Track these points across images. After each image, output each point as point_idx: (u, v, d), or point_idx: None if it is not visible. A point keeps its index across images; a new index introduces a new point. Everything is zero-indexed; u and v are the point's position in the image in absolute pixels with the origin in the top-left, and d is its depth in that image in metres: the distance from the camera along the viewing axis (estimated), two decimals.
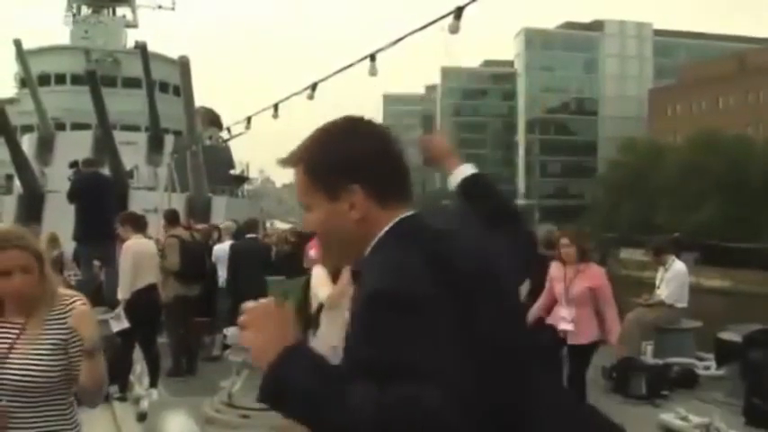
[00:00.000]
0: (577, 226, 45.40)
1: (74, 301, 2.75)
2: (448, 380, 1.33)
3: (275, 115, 10.34)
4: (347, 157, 1.56)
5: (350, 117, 1.68)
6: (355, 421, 1.32)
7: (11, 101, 29.87)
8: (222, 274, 9.52)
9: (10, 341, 2.64)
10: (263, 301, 1.53)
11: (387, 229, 1.55)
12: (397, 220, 1.56)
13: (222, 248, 9.87)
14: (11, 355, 2.62)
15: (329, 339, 4.05)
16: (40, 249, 2.75)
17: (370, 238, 1.56)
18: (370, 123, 1.67)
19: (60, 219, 12.46)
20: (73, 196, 9.54)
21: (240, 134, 18.88)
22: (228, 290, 9.22)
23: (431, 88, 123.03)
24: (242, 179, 35.66)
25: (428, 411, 1.29)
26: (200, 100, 25.02)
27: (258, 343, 1.46)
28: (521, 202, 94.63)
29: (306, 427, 1.42)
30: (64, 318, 2.69)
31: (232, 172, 33.49)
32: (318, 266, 5.14)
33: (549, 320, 6.47)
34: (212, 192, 22.58)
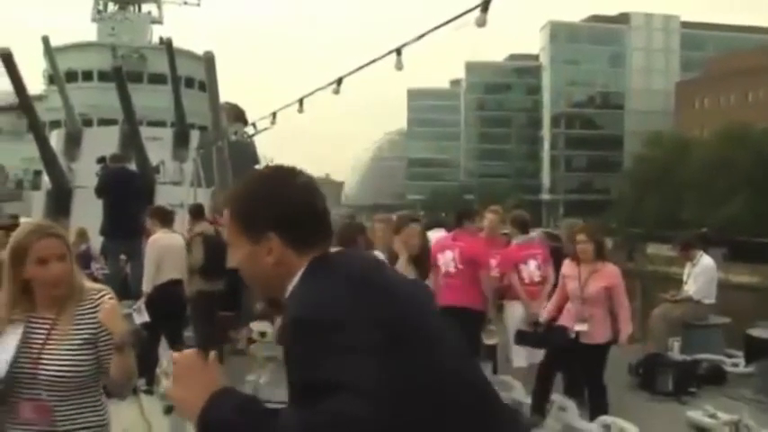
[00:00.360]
0: (603, 221, 45.12)
1: (102, 296, 2.78)
2: (369, 390, 1.43)
3: (300, 110, 10.33)
4: (267, 207, 1.72)
5: (276, 168, 1.87)
6: None
7: (39, 97, 30.24)
8: None
9: (43, 337, 2.67)
10: (186, 352, 1.65)
11: (303, 269, 1.69)
12: (310, 259, 1.70)
13: None
14: (44, 351, 2.65)
15: None
16: (68, 240, 2.80)
17: (286, 279, 1.71)
18: (293, 175, 1.79)
19: (88, 213, 12.59)
20: (100, 191, 9.64)
21: (265, 129, 18.93)
22: None
23: (455, 83, 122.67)
24: None
25: (350, 423, 1.39)
26: (225, 95, 25.19)
27: (184, 396, 1.58)
28: (545, 197, 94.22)
29: None
30: (93, 312, 2.72)
31: (257, 167, 33.69)
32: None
33: (561, 320, 6.34)
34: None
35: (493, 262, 7.17)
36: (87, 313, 2.71)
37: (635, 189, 62.06)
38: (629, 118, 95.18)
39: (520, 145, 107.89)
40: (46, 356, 2.64)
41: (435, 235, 7.78)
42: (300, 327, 1.55)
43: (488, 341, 6.84)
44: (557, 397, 6.18)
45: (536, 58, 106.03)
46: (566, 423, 5.83)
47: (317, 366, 1.49)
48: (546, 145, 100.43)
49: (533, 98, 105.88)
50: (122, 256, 10.04)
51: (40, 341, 2.66)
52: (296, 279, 1.70)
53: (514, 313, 7.25)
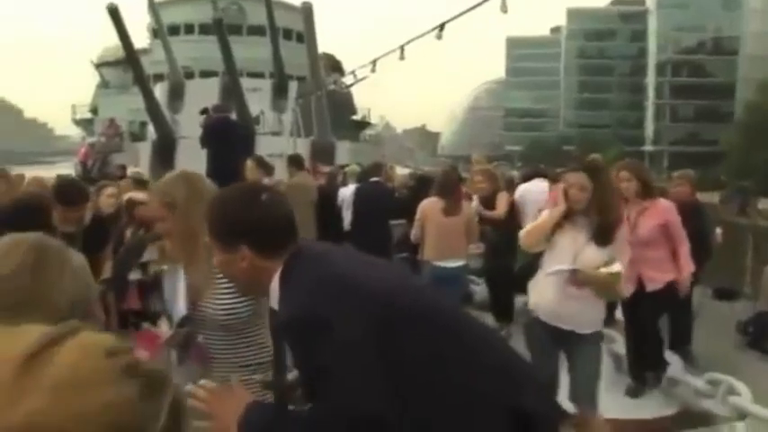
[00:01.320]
0: (710, 173, 43.21)
1: None
2: (364, 380, 1.71)
3: (402, 57, 10.20)
4: (236, 224, 2.01)
5: (241, 188, 2.22)
6: None
7: (144, 51, 31.09)
8: (347, 217, 9.61)
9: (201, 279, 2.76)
10: (208, 387, 2.01)
11: (280, 271, 1.97)
12: (285, 260, 1.97)
13: (347, 191, 9.94)
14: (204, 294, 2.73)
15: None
16: (167, 196, 2.80)
17: (263, 279, 2.00)
18: (257, 193, 2.06)
19: (191, 163, 12.89)
20: (204, 141, 9.83)
21: (363, 78, 18.88)
22: (353, 233, 9.30)
23: (556, 30, 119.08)
24: (363, 124, 35.92)
25: (349, 416, 1.69)
26: (323, 46, 25.22)
27: (223, 423, 1.91)
28: (648, 148, 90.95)
29: None
30: None
31: (354, 117, 33.78)
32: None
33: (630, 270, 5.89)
34: (335, 137, 22.85)
35: None
36: None
37: (746, 140, 59.01)
38: (744, 64, 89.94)
39: (622, 94, 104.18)
40: (204, 300, 2.72)
41: (538, 185, 7.60)
42: (290, 328, 1.83)
43: None
44: (606, 331, 6.01)
45: (642, 2, 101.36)
46: (670, 377, 5.65)
47: (311, 360, 1.76)
48: (650, 94, 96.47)
49: (638, 45, 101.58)
50: None
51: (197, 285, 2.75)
52: (275, 281, 1.97)
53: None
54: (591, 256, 3.95)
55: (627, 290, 4.80)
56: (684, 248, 5.58)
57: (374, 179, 9.59)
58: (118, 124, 24.14)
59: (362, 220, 8.94)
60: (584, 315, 4.07)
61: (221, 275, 2.68)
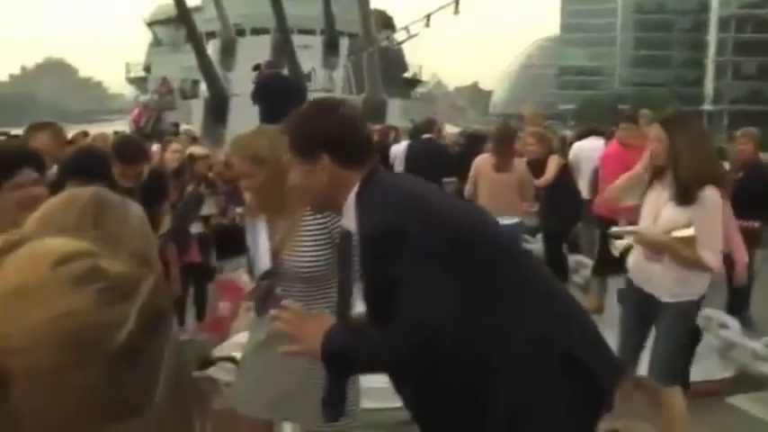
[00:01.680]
0: None
1: None
2: (437, 295, 1.81)
3: (456, 11, 10.04)
4: (318, 133, 2.05)
5: (320, 102, 2.30)
6: (380, 362, 1.96)
7: (196, 9, 31.22)
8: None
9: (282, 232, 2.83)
10: (292, 309, 2.09)
11: (357, 186, 2.01)
12: (363, 176, 2.02)
13: (399, 149, 9.90)
14: (285, 246, 2.77)
15: None
16: (255, 152, 2.82)
17: (340, 193, 2.04)
18: (337, 107, 2.13)
19: (243, 120, 12.98)
20: (256, 96, 9.85)
21: (415, 35, 18.66)
22: None
23: None
24: (415, 82, 35.63)
25: (421, 330, 1.81)
26: (374, 1, 24.96)
27: (307, 345, 2.00)
28: (708, 107, 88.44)
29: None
30: None
31: (405, 75, 33.52)
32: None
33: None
34: (387, 94, 22.73)
35: None
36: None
37: None
38: None
39: (681, 51, 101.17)
40: (283, 254, 2.76)
41: (593, 144, 7.43)
42: (371, 240, 1.89)
43: (613, 252, 6.45)
44: (716, 313, 5.83)
45: None
46: (727, 340, 5.51)
47: (387, 272, 1.83)
48: (711, 50, 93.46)
49: None
50: None
51: (279, 237, 2.80)
52: (352, 195, 2.01)
53: None
54: (668, 216, 3.75)
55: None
56: (737, 239, 5.42)
57: (427, 136, 9.51)
58: (169, 82, 24.42)
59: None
60: (663, 280, 3.82)
61: (305, 227, 2.75)
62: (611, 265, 6.36)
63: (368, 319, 2.03)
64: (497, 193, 6.33)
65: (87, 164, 4.13)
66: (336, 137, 2.04)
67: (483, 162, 6.62)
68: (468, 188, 6.69)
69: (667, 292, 3.81)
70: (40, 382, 0.42)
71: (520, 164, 6.63)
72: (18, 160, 2.61)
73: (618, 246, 6.20)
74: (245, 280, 2.92)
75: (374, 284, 1.96)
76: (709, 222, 3.68)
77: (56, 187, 2.86)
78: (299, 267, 2.75)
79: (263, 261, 2.83)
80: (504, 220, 6.27)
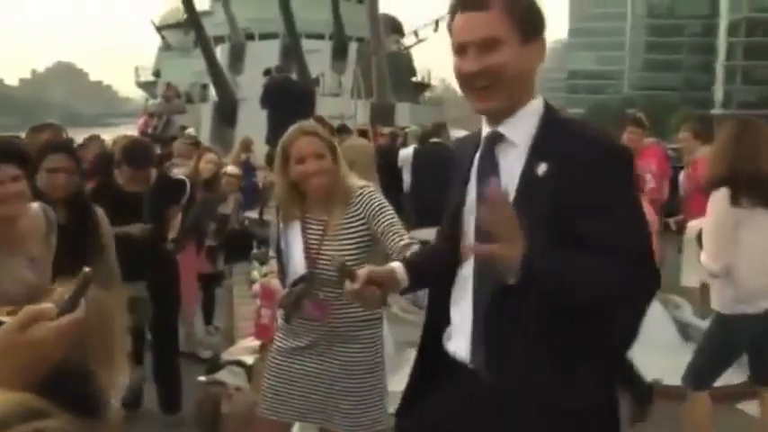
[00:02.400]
0: None
1: (368, 192, 2.84)
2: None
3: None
4: (543, 12, 1.79)
5: None
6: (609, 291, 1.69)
7: (205, 14, 31.30)
8: (407, 179, 9.57)
9: (318, 237, 2.80)
10: (499, 199, 1.60)
11: (544, 103, 1.84)
12: (545, 103, 1.84)
13: (407, 152, 9.88)
14: (321, 251, 2.77)
15: None
16: (332, 140, 2.84)
17: (525, 92, 1.80)
18: None
19: (252, 124, 13.01)
20: (265, 100, 9.89)
21: (423, 40, 18.72)
22: (412, 194, 9.25)
23: None
24: (423, 86, 35.62)
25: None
26: (383, 6, 25.00)
27: (507, 252, 1.58)
28: (718, 111, 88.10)
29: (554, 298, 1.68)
30: (360, 207, 2.79)
31: (413, 79, 33.52)
32: None
33: None
34: (395, 98, 22.75)
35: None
36: (356, 211, 2.79)
37: None
38: None
39: (691, 55, 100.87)
40: (323, 257, 2.76)
41: None
42: (627, 154, 1.78)
43: None
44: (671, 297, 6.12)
45: None
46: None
47: (626, 194, 1.73)
48: (721, 55, 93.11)
49: (710, 3, 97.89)
50: None
51: (316, 242, 2.80)
52: (533, 105, 1.80)
53: (695, 231, 6.75)
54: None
55: None
56: None
57: (435, 140, 9.46)
58: (175, 86, 24.51)
59: (421, 182, 8.86)
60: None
61: (346, 229, 2.76)
62: None
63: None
64: None
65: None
66: (545, 25, 1.82)
67: None
68: None
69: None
70: None
71: None
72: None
73: None
74: (275, 284, 2.91)
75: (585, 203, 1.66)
76: (706, 224, 3.71)
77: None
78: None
79: (298, 266, 2.82)
80: None
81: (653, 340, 5.53)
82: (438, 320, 1.99)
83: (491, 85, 1.77)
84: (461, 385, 1.88)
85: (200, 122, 21.24)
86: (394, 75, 22.66)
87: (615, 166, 1.71)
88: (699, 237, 3.94)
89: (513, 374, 1.76)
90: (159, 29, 37.53)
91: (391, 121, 18.72)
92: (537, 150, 1.75)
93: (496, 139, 1.82)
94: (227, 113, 20.23)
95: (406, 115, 20.96)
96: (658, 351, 5.48)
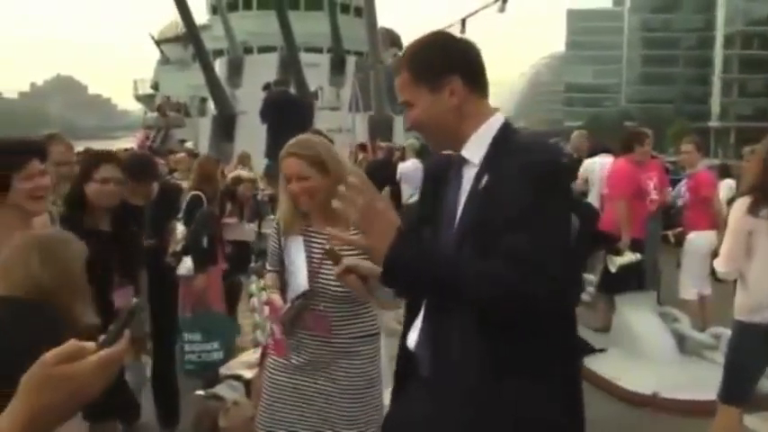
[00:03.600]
0: None
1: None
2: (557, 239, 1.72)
3: (463, 31, 10.10)
4: (446, 53, 1.85)
5: (439, 31, 2.05)
6: (480, 290, 1.65)
7: (203, 27, 31.45)
8: (407, 192, 9.62)
9: (320, 251, 2.77)
10: (362, 188, 1.70)
11: (501, 124, 1.87)
12: (502, 123, 1.87)
13: (406, 166, 9.94)
14: (323, 266, 2.76)
15: None
16: (318, 157, 2.78)
17: (468, 125, 1.85)
18: (455, 35, 1.99)
19: (251, 137, 13.04)
20: (265, 114, 9.91)
21: None
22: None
23: (618, 2, 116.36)
24: None
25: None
26: (382, 20, 25.10)
27: (374, 242, 1.70)
28: (714, 124, 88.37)
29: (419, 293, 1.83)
30: None
31: None
32: None
33: None
34: (393, 111, 22.83)
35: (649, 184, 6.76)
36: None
37: None
38: None
39: (687, 68, 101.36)
40: (324, 271, 2.75)
41: (602, 160, 7.43)
42: (551, 168, 1.76)
43: (611, 268, 6.40)
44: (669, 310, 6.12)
45: None
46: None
47: (543, 205, 1.69)
48: (718, 67, 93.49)
49: (705, 17, 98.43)
50: None
51: (318, 256, 2.78)
52: (486, 127, 1.85)
53: (693, 244, 6.74)
54: None
55: None
56: None
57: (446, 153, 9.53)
58: (169, 102, 24.63)
59: None
60: None
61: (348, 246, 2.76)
62: (615, 283, 6.38)
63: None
64: None
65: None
66: (466, 57, 1.87)
67: None
68: None
69: None
70: None
71: None
72: (26, 152, 2.71)
73: (616, 262, 6.22)
74: (276, 299, 2.90)
75: (504, 213, 1.71)
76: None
77: None
78: (344, 287, 2.65)
79: (300, 281, 2.81)
80: None
81: (651, 353, 5.56)
82: (410, 321, 2.04)
83: (423, 134, 1.99)
84: (419, 382, 1.96)
85: (199, 136, 21.31)
86: (392, 88, 22.72)
87: (534, 180, 1.71)
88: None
89: (448, 370, 1.80)
90: (158, 43, 37.67)
91: (390, 135, 18.77)
92: (485, 167, 1.83)
93: (461, 160, 1.92)
94: (225, 127, 20.27)
95: (403, 129, 21.01)
96: (656, 364, 5.49)
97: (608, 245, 6.34)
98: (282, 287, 2.97)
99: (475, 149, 1.86)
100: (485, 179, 1.80)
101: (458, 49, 1.88)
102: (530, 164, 1.73)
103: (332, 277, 2.67)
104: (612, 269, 6.28)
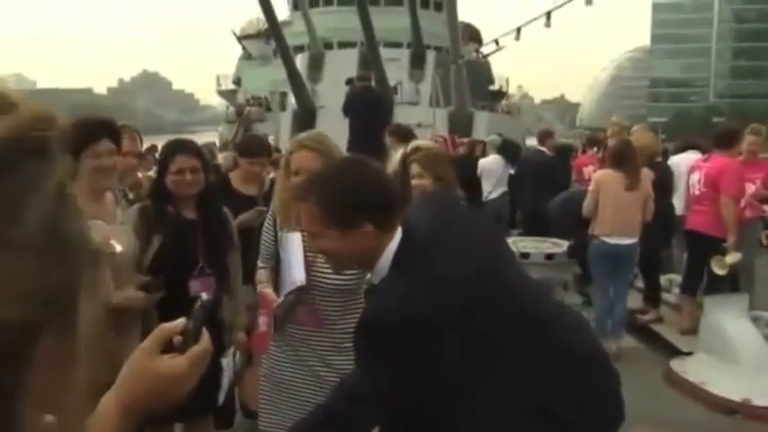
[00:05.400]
0: None
1: None
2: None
3: (548, 24, 9.93)
4: (357, 200, 1.88)
5: (350, 162, 2.18)
6: None
7: (285, 23, 31.85)
8: (487, 188, 9.56)
9: None
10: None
11: (392, 256, 1.89)
12: (397, 247, 1.89)
13: (487, 162, 9.86)
14: (317, 260, 2.77)
15: None
16: (332, 152, 2.82)
17: (374, 255, 1.90)
18: (366, 166, 1.98)
19: (331, 132, 13.09)
20: (348, 109, 9.95)
21: (501, 48, 18.55)
22: (516, 202, 9.45)
23: None
24: (501, 95, 35.39)
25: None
26: (464, 14, 24.97)
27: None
28: None
29: None
30: None
31: (491, 87, 33.34)
32: None
33: None
34: (473, 107, 22.66)
35: (751, 187, 6.49)
36: None
37: None
38: None
39: None
40: (318, 265, 2.77)
41: (689, 157, 7.18)
42: (365, 329, 1.82)
43: (718, 271, 6.11)
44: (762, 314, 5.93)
45: None
46: None
47: (367, 366, 1.86)
48: None
49: None
50: None
51: (313, 251, 2.76)
52: (386, 258, 1.89)
53: None
54: None
55: None
56: None
57: (540, 148, 9.47)
58: (245, 104, 25.13)
59: (523, 190, 8.92)
60: None
61: None
62: (715, 284, 6.16)
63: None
64: (623, 212, 5.97)
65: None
66: (379, 203, 1.90)
67: (609, 178, 6.03)
68: (587, 204, 6.09)
69: None
70: None
71: (646, 180, 6.18)
72: (98, 131, 2.89)
73: (725, 263, 5.99)
74: (269, 292, 2.88)
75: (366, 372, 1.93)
76: None
77: None
78: (339, 279, 2.74)
79: (297, 275, 2.78)
80: (625, 240, 6.02)
81: (742, 358, 5.35)
82: None
83: (332, 261, 2.11)
84: None
85: (280, 130, 21.62)
86: (472, 83, 22.56)
87: (361, 335, 1.84)
88: None
89: None
90: (240, 39, 38.36)
91: (470, 130, 18.65)
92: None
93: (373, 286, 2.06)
94: (305, 121, 20.51)
95: (484, 124, 20.84)
96: (748, 369, 5.28)
97: (711, 247, 6.12)
98: (276, 283, 2.93)
99: (378, 276, 1.93)
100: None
101: (371, 193, 1.89)
102: (363, 320, 1.87)
103: (326, 271, 2.73)
104: (721, 272, 6.04)
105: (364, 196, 1.89)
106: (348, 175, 1.97)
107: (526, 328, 1.91)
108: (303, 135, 2.89)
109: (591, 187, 6.16)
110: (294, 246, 2.83)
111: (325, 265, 2.70)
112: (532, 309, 1.99)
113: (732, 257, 5.97)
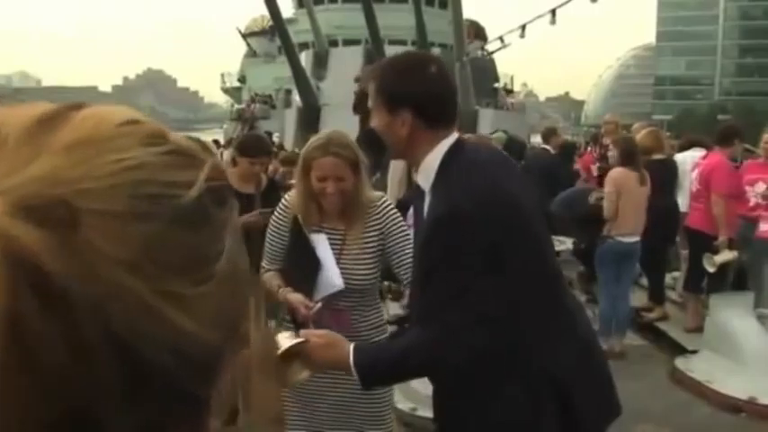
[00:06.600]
0: None
1: (384, 204, 2.84)
2: (479, 309, 1.84)
3: (553, 21, 9.91)
4: (406, 87, 2.00)
5: (413, 56, 2.34)
6: (413, 368, 2.03)
7: (290, 21, 31.87)
8: None
9: (338, 248, 2.79)
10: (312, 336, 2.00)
11: (445, 151, 1.99)
12: (452, 144, 2.00)
13: None
14: (341, 262, 2.77)
15: None
16: (355, 157, 2.75)
17: (418, 149, 2.02)
18: (429, 62, 2.06)
19: (336, 128, 13.12)
20: (358, 107, 9.99)
21: (505, 46, 18.50)
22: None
23: None
24: (506, 92, 35.37)
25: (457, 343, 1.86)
26: (468, 11, 24.96)
27: (330, 364, 2.04)
28: None
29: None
30: (378, 221, 2.80)
31: (496, 85, 33.31)
32: None
33: None
34: (477, 104, 22.64)
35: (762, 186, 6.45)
36: (373, 222, 2.80)
37: None
38: None
39: None
40: (342, 267, 2.76)
41: (694, 154, 7.15)
42: (438, 220, 1.88)
43: (708, 268, 6.07)
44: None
45: None
46: None
47: (455, 263, 1.84)
48: None
49: None
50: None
51: (336, 252, 2.79)
52: (433, 157, 1.99)
53: None
54: None
55: None
56: None
57: (544, 146, 9.39)
58: (248, 107, 25.18)
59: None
60: None
61: (365, 241, 2.78)
62: (710, 281, 6.13)
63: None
64: (641, 210, 5.93)
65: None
66: (423, 96, 2.00)
67: (623, 176, 5.93)
68: (608, 206, 5.91)
69: None
70: (105, 225, 0.42)
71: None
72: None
73: (715, 261, 5.97)
74: (300, 298, 2.81)
75: (423, 265, 1.97)
76: None
77: None
78: (359, 279, 2.76)
79: (335, 280, 2.74)
80: (635, 238, 5.96)
81: (748, 356, 5.33)
82: None
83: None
84: None
85: (284, 127, 21.65)
86: (477, 80, 22.55)
87: (440, 231, 1.87)
88: None
89: None
90: (245, 36, 38.40)
91: (474, 127, 18.63)
92: (431, 196, 2.01)
93: (419, 188, 2.11)
94: (310, 118, 20.55)
95: (489, 121, 20.82)
96: (753, 367, 5.26)
97: (705, 244, 6.10)
98: (287, 285, 2.83)
99: (424, 177, 2.03)
100: (426, 214, 2.00)
101: (419, 84, 2.00)
102: (440, 216, 1.89)
103: (350, 271, 2.75)
104: (711, 269, 6.03)
105: (411, 85, 1.99)
106: (402, 65, 2.09)
107: (546, 282, 2.01)
108: (325, 139, 2.75)
109: (608, 188, 5.95)
110: (324, 249, 2.79)
111: (348, 266, 2.73)
112: (555, 268, 2.10)
113: (723, 255, 5.95)
